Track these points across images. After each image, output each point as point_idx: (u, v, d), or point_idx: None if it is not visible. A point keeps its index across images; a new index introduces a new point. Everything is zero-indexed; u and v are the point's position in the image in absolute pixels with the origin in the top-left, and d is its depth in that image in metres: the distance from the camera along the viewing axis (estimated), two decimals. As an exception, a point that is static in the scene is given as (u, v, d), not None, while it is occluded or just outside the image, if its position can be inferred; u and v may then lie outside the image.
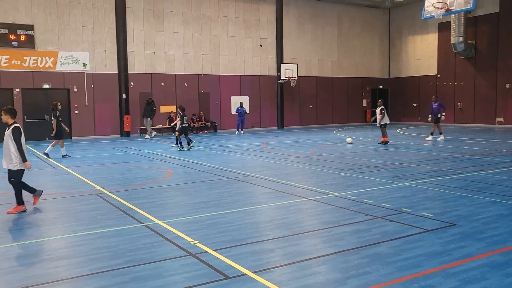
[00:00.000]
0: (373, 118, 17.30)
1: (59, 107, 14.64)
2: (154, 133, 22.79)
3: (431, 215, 6.59)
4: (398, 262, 4.75)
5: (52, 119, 14.45)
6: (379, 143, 16.73)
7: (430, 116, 18.65)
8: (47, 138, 21.60)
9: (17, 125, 7.30)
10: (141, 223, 6.45)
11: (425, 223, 6.16)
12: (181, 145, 16.56)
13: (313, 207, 7.31)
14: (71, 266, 4.82)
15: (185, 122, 16.48)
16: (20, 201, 7.33)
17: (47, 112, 21.56)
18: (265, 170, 11.25)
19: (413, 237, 5.59)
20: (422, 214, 6.65)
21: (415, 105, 30.97)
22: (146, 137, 22.30)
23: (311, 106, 29.55)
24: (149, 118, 22.76)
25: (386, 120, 16.61)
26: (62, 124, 14.57)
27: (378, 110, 16.75)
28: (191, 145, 16.60)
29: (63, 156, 14.50)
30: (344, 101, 30.98)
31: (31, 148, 17.76)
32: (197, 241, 5.50)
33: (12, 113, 7.37)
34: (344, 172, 10.64)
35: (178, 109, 17.27)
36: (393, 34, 32.54)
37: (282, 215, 6.79)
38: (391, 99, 32.73)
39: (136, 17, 23.41)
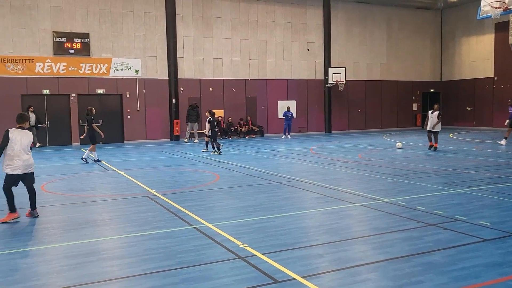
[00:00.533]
0: (426, 122, 16.32)
1: (94, 112, 14.90)
2: (196, 140, 22.87)
3: (488, 224, 6.31)
4: (453, 272, 4.58)
5: (87, 124, 14.62)
6: (431, 149, 16.01)
7: (508, 120, 18.06)
8: (100, 142, 22.49)
9: (10, 129, 7.05)
10: (191, 225, 6.57)
11: (482, 232, 5.90)
12: (213, 148, 16.56)
13: (363, 213, 7.18)
14: (124, 266, 4.98)
15: (216, 127, 16.54)
16: (11, 208, 7.06)
17: (101, 116, 22.47)
18: (313, 175, 11.17)
19: (470, 246, 5.37)
20: (479, 222, 6.37)
21: (469, 109, 29.77)
22: (195, 141, 22.63)
23: (359, 110, 29.08)
24: (196, 123, 23.05)
25: (440, 127, 16.05)
26: (97, 128, 14.71)
27: (434, 115, 15.88)
28: (220, 149, 16.64)
29: (95, 161, 14.58)
30: (393, 105, 30.27)
31: (85, 151, 18.49)
32: (246, 245, 5.54)
33: (16, 118, 7.25)
34: (394, 177, 10.38)
35: (208, 114, 17.18)
36: (445, 36, 31.48)
37: (331, 220, 6.72)
38: (443, 103, 31.62)
39: (186, 24, 23.95)
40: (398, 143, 17.74)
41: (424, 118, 30.81)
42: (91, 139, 14.63)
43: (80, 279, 4.60)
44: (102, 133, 14.88)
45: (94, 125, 14.53)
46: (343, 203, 7.86)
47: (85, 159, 14.59)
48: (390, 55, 29.92)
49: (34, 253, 5.53)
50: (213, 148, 16.54)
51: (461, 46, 30.42)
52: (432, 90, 31.55)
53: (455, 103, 30.82)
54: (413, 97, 31.02)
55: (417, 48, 30.82)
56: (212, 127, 16.44)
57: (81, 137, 14.93)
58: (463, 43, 30.26)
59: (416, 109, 31.15)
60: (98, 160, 14.69)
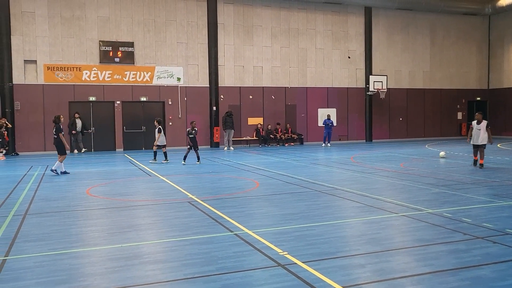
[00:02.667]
0: (470, 134, 14.07)
1: (62, 120, 13.84)
2: (231, 148, 22.92)
3: (541, 238, 6.00)
4: (504, 287, 4.38)
5: (55, 133, 13.35)
6: (476, 165, 13.83)
7: None
8: (143, 148, 23.04)
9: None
10: (231, 231, 6.60)
11: (534, 247, 5.63)
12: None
13: (405, 223, 7.00)
14: (166, 270, 5.06)
15: (191, 134, 15.99)
16: None
17: (144, 123, 23.06)
18: (353, 183, 11.00)
19: (521, 261, 5.12)
20: (530, 236, 6.08)
21: (518, 118, 28.59)
22: (230, 148, 22.73)
23: (401, 119, 28.48)
24: (232, 130, 23.12)
25: (489, 140, 13.73)
26: (63, 139, 13.42)
27: (481, 126, 13.60)
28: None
29: (61, 173, 13.40)
30: (436, 113, 29.46)
31: (129, 157, 19.02)
32: (286, 252, 5.51)
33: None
34: (438, 188, 10.08)
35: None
36: (493, 42, 30.41)
37: (372, 230, 6.58)
38: (490, 111, 30.51)
39: (227, 33, 24.26)
40: (441, 153, 17.23)
41: (469, 128, 29.97)
42: (59, 149, 13.43)
43: (123, 281, 4.71)
44: (67, 145, 13.69)
45: (60, 135, 13.32)
46: (385, 213, 7.70)
47: (55, 170, 13.34)
48: (433, 62, 29.18)
49: (80, 254, 5.70)
50: (198, 159, 16.11)
51: (510, 53, 29.29)
52: (478, 99, 30.50)
53: (504, 112, 29.65)
54: (458, 106, 30.09)
55: (462, 55, 29.93)
56: (189, 135, 16.06)
57: (67, 149, 13.52)
58: (512, 49, 29.15)
59: (461, 118, 30.20)
60: (65, 172, 13.48)
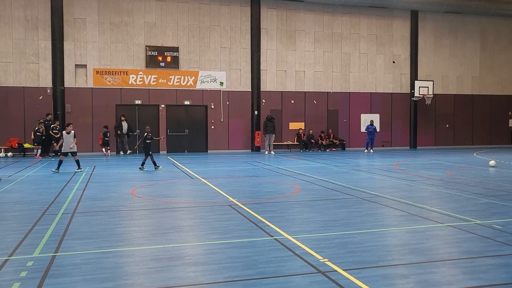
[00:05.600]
0: None
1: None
2: (272, 152, 22.82)
3: None
4: (557, 305, 4.15)
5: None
6: None
7: None
8: (186, 151, 23.46)
9: None
10: (271, 236, 6.60)
11: None
12: (155, 165, 15.37)
13: (451, 234, 6.77)
14: (207, 272, 5.11)
15: (148, 140, 15.42)
16: None
17: (187, 126, 23.48)
18: (396, 191, 10.75)
19: None
20: None
21: None
22: (271, 153, 22.64)
23: (447, 126, 27.60)
24: (273, 134, 22.98)
25: None
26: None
27: None
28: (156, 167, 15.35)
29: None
30: (486, 120, 28.35)
31: (172, 159, 19.40)
32: (327, 259, 5.45)
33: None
34: (487, 198, 9.68)
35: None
36: (548, 47, 29.00)
37: (416, 240, 6.41)
38: (544, 119, 29.11)
39: (270, 37, 24.36)
40: (491, 161, 16.55)
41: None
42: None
43: (165, 281, 4.80)
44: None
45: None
46: (430, 223, 7.47)
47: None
48: (483, 67, 28.14)
49: (124, 253, 5.86)
50: (154, 164, 15.33)
51: None
52: (531, 105, 29.17)
53: (559, 119, 28.19)
54: (510, 113, 28.84)
55: (514, 60, 28.71)
56: (145, 140, 15.46)
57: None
58: None
59: (512, 125, 28.95)
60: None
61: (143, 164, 15.50)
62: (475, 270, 5.13)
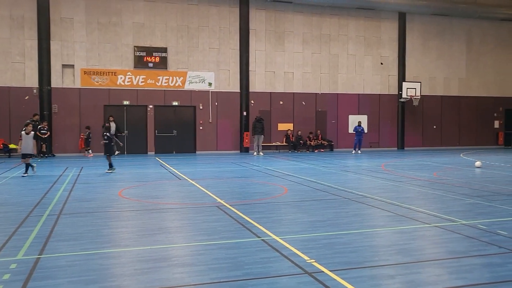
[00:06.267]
0: None
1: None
2: (261, 153, 22.80)
3: None
4: (540, 304, 4.21)
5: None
6: None
7: None
8: (174, 152, 23.35)
9: None
10: (258, 237, 6.59)
11: None
12: (111, 167, 14.59)
13: (437, 234, 6.82)
14: (193, 273, 5.09)
15: (111, 141, 14.91)
16: None
17: (176, 127, 23.39)
18: (383, 192, 10.82)
19: (559, 277, 4.91)
20: None
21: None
22: (260, 153, 22.61)
23: (434, 127, 27.85)
24: (262, 135, 22.94)
25: None
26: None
27: None
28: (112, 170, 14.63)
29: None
30: (472, 122, 28.66)
31: (160, 160, 19.31)
32: (314, 260, 5.46)
33: None
34: (473, 198, 9.79)
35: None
36: (532, 49, 29.42)
37: (403, 240, 6.45)
38: (529, 120, 29.54)
39: (259, 38, 24.37)
40: (477, 162, 16.73)
41: (508, 136, 29.01)
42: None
43: (152, 283, 4.77)
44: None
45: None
46: (416, 223, 7.53)
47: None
48: (470, 69, 28.46)
49: (110, 255, 5.81)
50: (111, 166, 14.67)
51: (550, 60, 28.27)
52: (516, 107, 29.58)
53: (543, 121, 28.61)
54: (495, 114, 29.20)
55: (500, 62, 29.07)
56: (108, 141, 14.82)
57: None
58: (553, 56, 28.11)
59: (498, 126, 29.29)
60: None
61: (110, 166, 14.65)
62: (460, 270, 5.17)
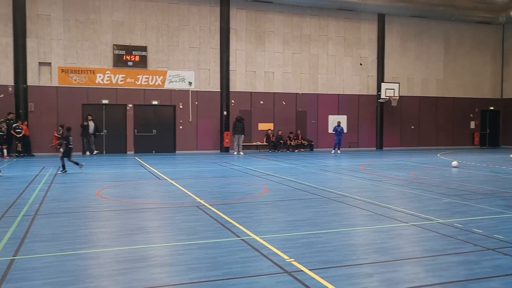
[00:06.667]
0: None
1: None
2: (241, 153, 22.73)
3: (553, 251, 5.90)
4: (513, 300, 4.31)
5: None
6: None
7: None
8: (153, 151, 23.15)
9: None
10: (238, 237, 6.58)
11: (546, 260, 5.53)
12: (64, 168, 14.15)
13: (415, 233, 6.93)
14: (172, 274, 5.06)
15: (70, 143, 14.51)
16: None
17: (155, 126, 23.20)
18: (362, 191, 10.93)
19: (532, 274, 5.03)
20: (542, 249, 5.97)
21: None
22: (240, 153, 22.56)
23: (412, 127, 28.27)
24: (242, 135, 22.88)
25: None
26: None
27: None
28: (81, 167, 14.39)
29: None
30: (449, 122, 29.20)
31: (139, 160, 19.12)
32: (293, 259, 5.48)
33: None
34: (449, 197, 9.97)
35: (61, 128, 15.02)
36: (507, 52, 30.11)
37: (381, 239, 6.52)
38: (503, 121, 30.21)
39: (239, 38, 24.35)
40: (453, 162, 17.06)
41: (484, 136, 29.68)
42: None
43: (130, 284, 4.71)
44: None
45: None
46: (394, 222, 7.62)
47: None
48: (447, 71, 28.98)
49: (88, 256, 5.72)
50: (63, 167, 14.17)
51: (524, 62, 28.99)
52: (491, 108, 30.22)
53: (517, 122, 29.33)
54: (471, 115, 29.82)
55: (476, 64, 29.69)
56: (67, 144, 14.46)
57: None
58: (526, 59, 28.83)
59: (474, 127, 29.91)
60: None
61: (63, 168, 14.20)
62: (436, 268, 5.26)
